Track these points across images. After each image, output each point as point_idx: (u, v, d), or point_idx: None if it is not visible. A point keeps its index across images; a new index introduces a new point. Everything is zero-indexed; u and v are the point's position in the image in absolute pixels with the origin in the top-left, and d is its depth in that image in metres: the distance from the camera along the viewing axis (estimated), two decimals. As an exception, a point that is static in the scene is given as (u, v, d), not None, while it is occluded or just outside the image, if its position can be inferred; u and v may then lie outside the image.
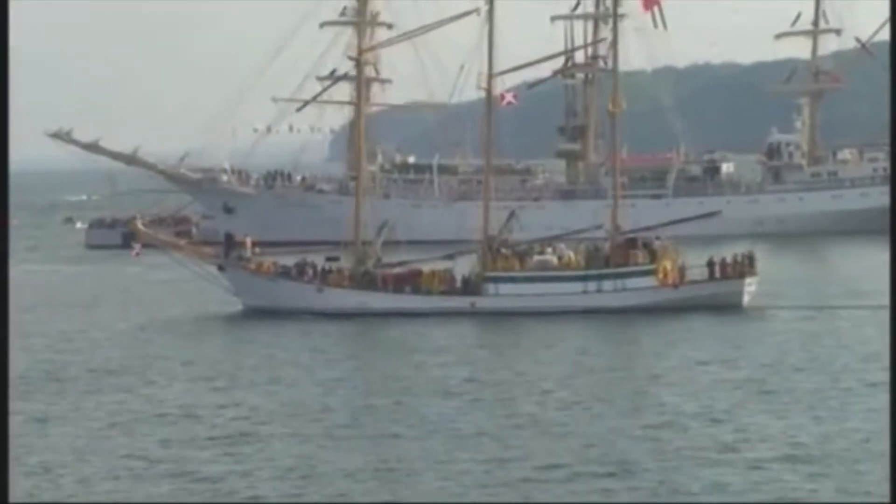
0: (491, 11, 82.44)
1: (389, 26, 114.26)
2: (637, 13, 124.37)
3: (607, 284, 70.45)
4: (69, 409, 50.65)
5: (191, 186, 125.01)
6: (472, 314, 69.79)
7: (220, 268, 74.15)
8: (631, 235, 75.71)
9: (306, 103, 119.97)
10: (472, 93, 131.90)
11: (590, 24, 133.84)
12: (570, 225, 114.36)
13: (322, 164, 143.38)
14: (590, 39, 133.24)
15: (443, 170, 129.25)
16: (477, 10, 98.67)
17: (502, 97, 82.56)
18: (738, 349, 60.25)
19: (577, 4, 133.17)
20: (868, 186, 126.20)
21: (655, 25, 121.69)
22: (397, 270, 74.85)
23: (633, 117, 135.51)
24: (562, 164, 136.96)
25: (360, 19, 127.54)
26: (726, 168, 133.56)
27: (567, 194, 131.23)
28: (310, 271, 74.18)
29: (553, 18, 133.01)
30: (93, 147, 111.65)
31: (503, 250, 74.25)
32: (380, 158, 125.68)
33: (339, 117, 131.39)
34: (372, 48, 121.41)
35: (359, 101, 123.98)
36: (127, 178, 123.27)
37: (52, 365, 62.31)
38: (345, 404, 48.63)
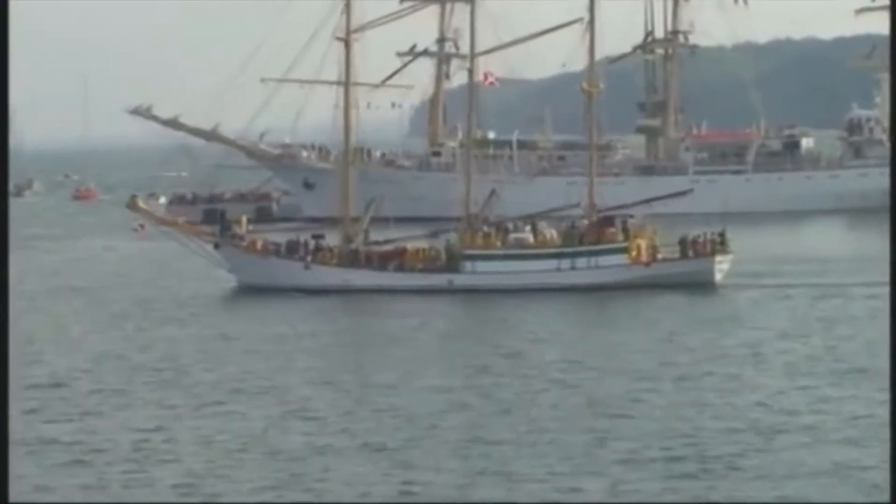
0: None
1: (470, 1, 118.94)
2: None
3: (580, 262, 71.73)
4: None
5: (271, 162, 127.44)
6: (450, 291, 71.10)
7: (216, 246, 75.87)
8: (607, 213, 75.74)
9: (384, 81, 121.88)
10: (553, 69, 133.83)
11: (670, 1, 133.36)
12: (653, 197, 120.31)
13: (402, 140, 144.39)
14: (670, 15, 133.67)
15: (522, 145, 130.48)
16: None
17: (485, 77, 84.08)
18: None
19: None
20: None
21: (736, 1, 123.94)
22: (383, 248, 76.32)
23: (712, 93, 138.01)
24: (642, 139, 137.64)
25: None
26: (806, 143, 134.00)
27: (646, 170, 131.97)
28: (302, 248, 75.43)
29: None
30: (172, 123, 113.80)
31: (485, 227, 75.35)
32: (460, 134, 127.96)
33: (419, 93, 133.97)
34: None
35: (438, 81, 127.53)
36: (206, 154, 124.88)
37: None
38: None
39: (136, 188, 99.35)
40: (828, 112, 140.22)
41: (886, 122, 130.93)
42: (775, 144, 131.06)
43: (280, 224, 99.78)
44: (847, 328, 58.65)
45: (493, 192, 78.94)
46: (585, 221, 75.49)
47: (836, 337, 57.36)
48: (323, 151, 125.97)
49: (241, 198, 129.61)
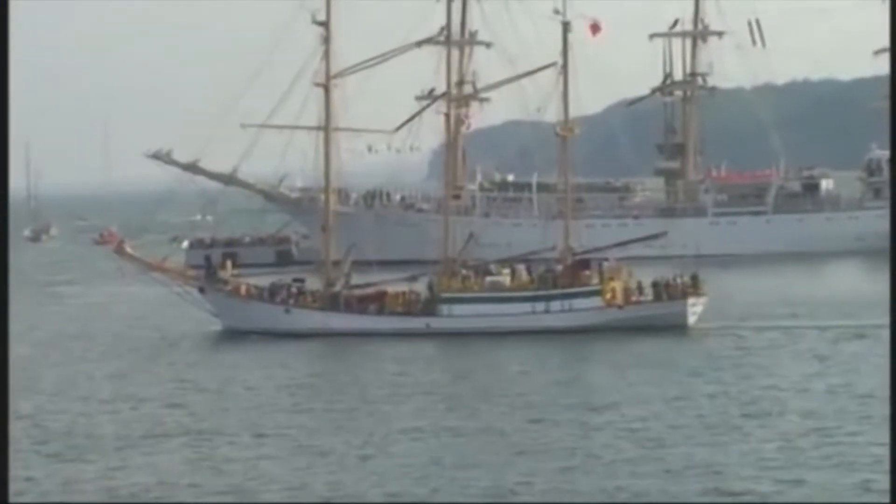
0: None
1: (488, 45, 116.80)
2: (738, 31, 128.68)
3: (555, 305, 72.42)
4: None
5: (290, 206, 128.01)
6: (426, 335, 71.64)
7: (201, 290, 77.10)
8: (583, 256, 76.85)
9: (403, 124, 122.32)
10: (576, 109, 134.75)
11: (688, 42, 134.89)
12: (668, 243, 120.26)
13: (421, 182, 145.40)
14: (689, 57, 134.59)
15: (541, 188, 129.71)
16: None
17: (465, 119, 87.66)
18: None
19: (676, 23, 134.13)
20: None
21: (754, 43, 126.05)
22: (364, 292, 77.16)
23: (731, 134, 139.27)
24: (661, 181, 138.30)
25: (461, 40, 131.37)
26: (826, 185, 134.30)
27: (666, 212, 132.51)
28: (283, 293, 76.37)
29: (651, 36, 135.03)
30: (191, 167, 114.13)
31: (463, 271, 76.38)
32: (479, 177, 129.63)
33: (437, 136, 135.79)
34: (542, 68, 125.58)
35: (451, 128, 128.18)
36: (225, 198, 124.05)
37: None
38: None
39: (159, 232, 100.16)
40: (847, 153, 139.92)
41: None
42: (795, 186, 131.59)
43: (301, 266, 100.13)
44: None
45: (471, 236, 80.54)
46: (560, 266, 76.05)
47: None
48: (342, 195, 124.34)
49: (260, 241, 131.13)
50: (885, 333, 68.29)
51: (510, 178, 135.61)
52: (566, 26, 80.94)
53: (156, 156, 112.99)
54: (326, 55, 77.77)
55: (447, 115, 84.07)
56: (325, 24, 77.95)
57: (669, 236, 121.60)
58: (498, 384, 59.16)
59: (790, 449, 45.23)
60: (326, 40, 77.99)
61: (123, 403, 56.67)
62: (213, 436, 49.54)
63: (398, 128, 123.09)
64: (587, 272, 74.47)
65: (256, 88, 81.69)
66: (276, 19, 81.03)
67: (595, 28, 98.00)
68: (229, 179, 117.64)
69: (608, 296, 72.57)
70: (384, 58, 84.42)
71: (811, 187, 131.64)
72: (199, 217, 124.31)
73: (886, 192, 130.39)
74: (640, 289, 75.56)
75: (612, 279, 73.57)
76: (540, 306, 72.58)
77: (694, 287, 73.21)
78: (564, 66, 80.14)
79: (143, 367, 67.28)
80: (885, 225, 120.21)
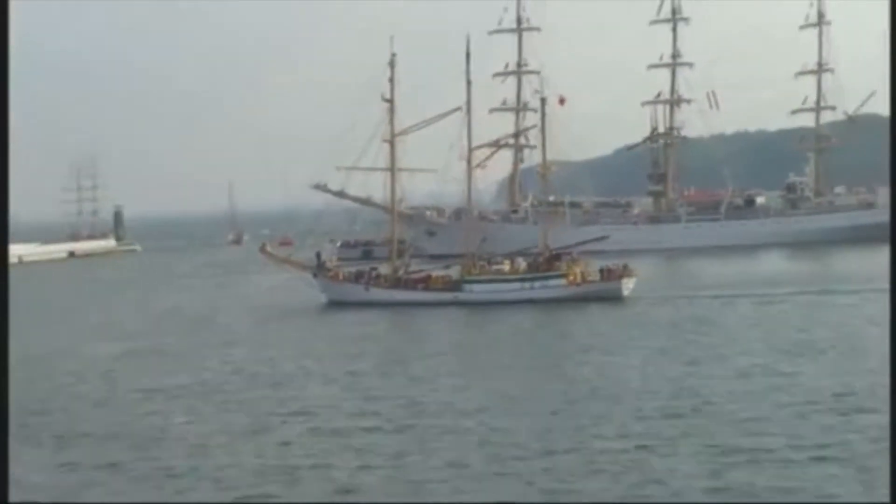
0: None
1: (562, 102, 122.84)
2: (700, 99, 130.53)
3: (536, 284, 73.85)
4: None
5: (406, 219, 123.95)
6: (457, 303, 73.36)
7: (314, 275, 78.90)
8: (557, 251, 78.24)
9: (478, 165, 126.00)
10: (594, 152, 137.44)
11: (667, 107, 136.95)
12: (656, 240, 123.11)
13: (491, 202, 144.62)
14: (668, 116, 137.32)
15: (573, 205, 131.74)
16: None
17: (478, 163, 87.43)
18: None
19: (659, 94, 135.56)
20: (854, 211, 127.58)
21: (711, 107, 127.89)
22: (417, 275, 79.56)
23: (697, 168, 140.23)
24: (650, 199, 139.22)
25: (518, 106, 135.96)
26: (760, 200, 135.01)
27: (654, 220, 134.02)
28: (364, 277, 78.44)
29: (643, 104, 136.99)
30: (340, 194, 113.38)
31: (480, 262, 78.58)
32: (530, 198, 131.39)
33: (504, 170, 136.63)
34: (526, 129, 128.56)
35: (515, 163, 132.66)
36: (363, 213, 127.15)
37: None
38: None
39: (320, 236, 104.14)
40: (774, 179, 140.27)
41: (812, 185, 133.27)
42: (739, 201, 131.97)
43: (413, 258, 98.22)
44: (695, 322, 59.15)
45: (483, 239, 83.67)
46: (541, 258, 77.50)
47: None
48: (440, 212, 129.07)
49: (387, 242, 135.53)
50: (801, 299, 68.87)
51: (551, 198, 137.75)
52: (543, 101, 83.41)
53: (317, 186, 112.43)
54: (391, 121, 78.92)
55: (468, 160, 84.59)
56: (391, 101, 79.29)
57: (657, 234, 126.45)
58: (506, 333, 61.33)
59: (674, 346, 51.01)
60: (391, 111, 79.24)
61: (279, 340, 59.93)
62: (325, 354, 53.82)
63: (478, 165, 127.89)
64: (558, 262, 76.00)
65: (348, 142, 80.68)
66: (358, 97, 79.87)
67: (562, 101, 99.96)
68: (365, 201, 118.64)
69: (570, 277, 73.80)
70: (429, 122, 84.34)
71: (750, 202, 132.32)
72: (346, 227, 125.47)
73: (800, 205, 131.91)
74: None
75: (574, 266, 75.02)
76: (527, 284, 74.30)
77: (626, 271, 74.11)
78: (542, 128, 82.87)
79: (285, 320, 71.17)
80: (799, 227, 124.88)
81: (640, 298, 70.55)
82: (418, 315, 69.73)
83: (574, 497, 26.05)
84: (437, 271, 79.81)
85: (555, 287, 73.17)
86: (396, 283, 77.49)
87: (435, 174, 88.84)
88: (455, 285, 75.75)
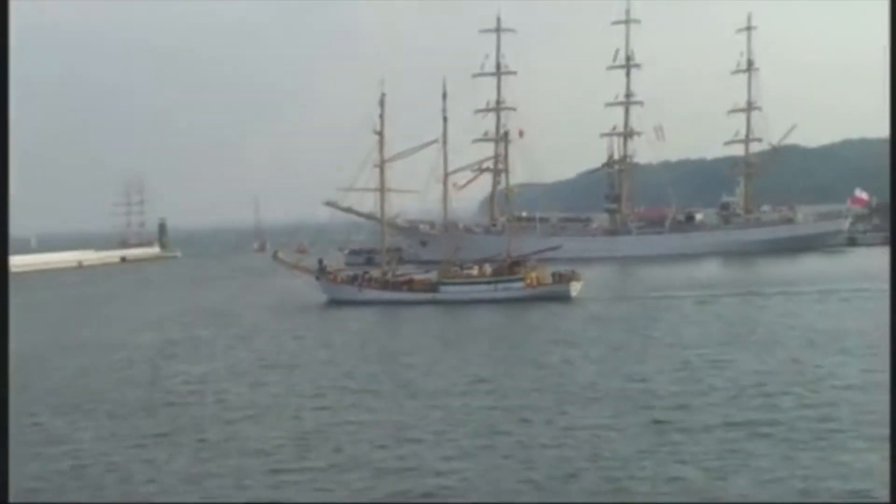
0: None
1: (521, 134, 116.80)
2: (649, 131, 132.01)
3: (500, 286, 74.10)
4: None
5: (402, 231, 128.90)
6: (434, 302, 73.53)
7: (317, 278, 79.34)
8: (517, 258, 78.57)
9: (454, 185, 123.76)
10: (575, 167, 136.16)
11: (622, 139, 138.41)
12: (611, 250, 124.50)
13: (474, 216, 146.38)
14: (622, 146, 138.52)
15: (542, 220, 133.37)
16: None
17: (454, 185, 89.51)
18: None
19: (615, 127, 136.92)
20: (776, 226, 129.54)
21: (658, 139, 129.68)
22: (402, 278, 79.66)
23: (645, 189, 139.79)
24: (606, 216, 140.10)
25: (497, 138, 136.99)
26: (698, 216, 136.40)
27: (611, 233, 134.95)
28: (358, 279, 78.67)
29: (602, 135, 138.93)
30: (348, 210, 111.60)
31: (453, 268, 78.92)
32: (508, 214, 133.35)
33: (485, 190, 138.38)
34: (496, 157, 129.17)
35: (493, 185, 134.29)
36: (367, 226, 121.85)
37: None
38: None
39: (328, 245, 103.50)
40: (710, 199, 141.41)
41: (742, 204, 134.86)
42: (680, 217, 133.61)
43: (406, 265, 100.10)
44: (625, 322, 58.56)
45: (457, 248, 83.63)
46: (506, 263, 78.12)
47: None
48: (432, 225, 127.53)
49: (386, 251, 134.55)
50: (727, 300, 68.41)
51: (524, 213, 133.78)
52: (506, 134, 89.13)
53: (329, 203, 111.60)
54: (381, 150, 79.88)
55: (444, 183, 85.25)
56: (380, 133, 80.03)
57: (612, 245, 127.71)
58: (478, 324, 62.10)
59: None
60: (380, 142, 79.99)
61: (287, 330, 61.13)
62: (323, 344, 54.15)
63: (462, 186, 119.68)
64: (518, 267, 76.41)
65: (345, 167, 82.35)
66: (353, 130, 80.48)
67: (521, 133, 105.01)
68: (368, 216, 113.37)
69: (528, 280, 74.19)
70: (412, 151, 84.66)
71: (690, 218, 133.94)
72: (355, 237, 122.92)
73: (732, 220, 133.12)
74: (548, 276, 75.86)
75: (531, 272, 75.45)
76: (492, 286, 74.45)
77: (574, 276, 74.50)
78: (505, 157, 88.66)
79: (289, 315, 71.30)
80: (730, 238, 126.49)
81: (587, 299, 71.05)
82: (402, 312, 69.80)
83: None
84: (418, 275, 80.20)
85: (515, 289, 73.37)
86: (385, 284, 77.71)
87: (417, 194, 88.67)
88: (433, 287, 75.86)
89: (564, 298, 71.51)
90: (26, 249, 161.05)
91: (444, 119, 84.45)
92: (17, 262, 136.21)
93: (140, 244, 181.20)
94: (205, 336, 58.68)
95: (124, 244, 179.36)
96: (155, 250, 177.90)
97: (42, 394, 39.91)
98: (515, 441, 28.35)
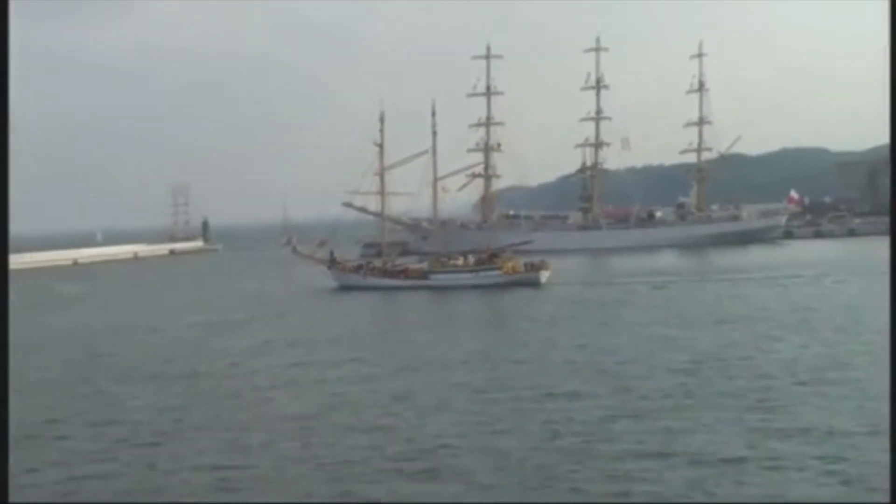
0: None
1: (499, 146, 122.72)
2: (617, 143, 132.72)
3: (481, 274, 74.66)
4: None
5: (406, 227, 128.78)
6: (425, 287, 73.95)
7: (329, 267, 79.95)
8: (496, 250, 79.04)
9: (461, 188, 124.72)
10: (554, 172, 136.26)
11: (593, 149, 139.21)
12: (584, 243, 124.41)
13: (467, 214, 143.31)
14: (593, 155, 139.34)
15: (526, 217, 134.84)
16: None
17: (443, 189, 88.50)
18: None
19: (587, 139, 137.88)
20: (724, 222, 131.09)
21: (624, 148, 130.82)
22: (399, 268, 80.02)
23: (613, 191, 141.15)
24: (580, 214, 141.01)
25: (487, 147, 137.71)
26: (658, 214, 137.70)
27: (584, 228, 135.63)
28: (364, 267, 79.31)
29: (576, 146, 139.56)
30: (362, 209, 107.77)
31: (442, 259, 79.41)
32: (497, 212, 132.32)
33: (478, 190, 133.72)
34: (479, 163, 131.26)
35: (486, 187, 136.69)
36: (376, 223, 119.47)
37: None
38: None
39: (346, 240, 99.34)
40: (668, 199, 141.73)
41: (695, 203, 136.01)
42: (643, 214, 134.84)
43: (411, 255, 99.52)
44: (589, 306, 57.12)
45: (448, 241, 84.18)
46: (485, 255, 78.74)
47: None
48: (430, 222, 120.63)
49: (394, 245, 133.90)
50: (682, 285, 67.60)
51: (511, 212, 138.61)
52: (488, 147, 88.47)
53: (347, 203, 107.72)
54: (381, 159, 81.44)
55: (433, 186, 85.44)
56: (381, 145, 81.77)
57: (585, 239, 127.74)
58: (459, 305, 61.81)
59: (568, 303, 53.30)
60: (381, 154, 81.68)
61: (304, 310, 61.59)
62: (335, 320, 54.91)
63: (460, 188, 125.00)
64: (496, 258, 77.09)
65: (352, 173, 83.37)
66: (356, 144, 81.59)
67: (499, 145, 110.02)
68: (378, 215, 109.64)
69: (505, 269, 74.96)
70: (408, 160, 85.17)
71: (651, 215, 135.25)
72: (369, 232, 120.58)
73: (686, 218, 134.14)
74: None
75: (507, 262, 76.29)
76: (474, 274, 75.21)
77: (543, 265, 75.05)
78: (485, 167, 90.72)
79: (311, 299, 71.98)
80: (685, 233, 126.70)
81: (555, 284, 71.46)
82: (398, 295, 70.19)
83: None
84: (413, 265, 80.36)
85: (493, 276, 73.75)
86: (385, 273, 77.85)
87: (412, 196, 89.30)
88: (425, 275, 76.12)
89: (535, 284, 71.71)
90: (93, 243, 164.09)
91: (434, 133, 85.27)
92: (85, 253, 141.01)
93: (186, 239, 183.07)
94: (239, 318, 58.56)
95: (173, 239, 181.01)
96: (199, 244, 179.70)
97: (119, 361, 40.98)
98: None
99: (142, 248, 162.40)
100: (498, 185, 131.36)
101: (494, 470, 20.73)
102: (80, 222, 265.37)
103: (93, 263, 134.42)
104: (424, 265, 78.64)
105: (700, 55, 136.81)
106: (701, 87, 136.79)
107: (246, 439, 24.78)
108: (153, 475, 21.64)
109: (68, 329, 54.26)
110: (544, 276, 73.24)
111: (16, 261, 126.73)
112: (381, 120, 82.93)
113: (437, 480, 20.14)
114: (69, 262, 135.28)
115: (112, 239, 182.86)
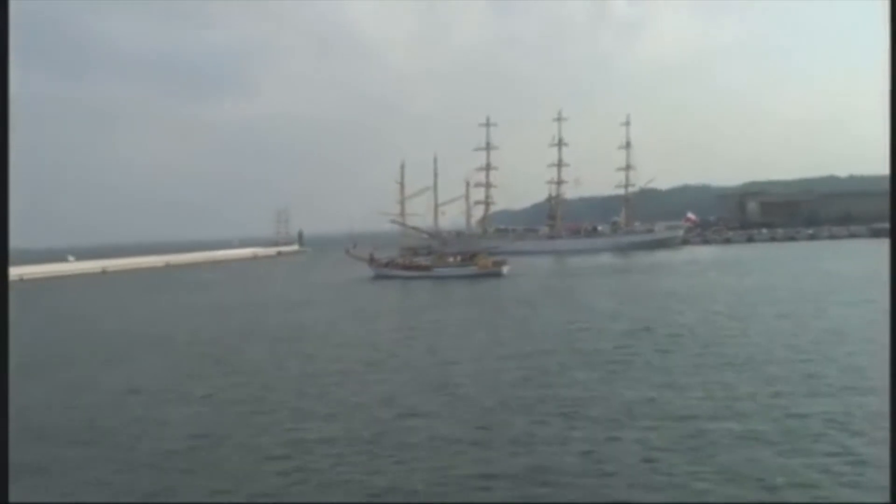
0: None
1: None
2: (573, 180, 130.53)
3: (464, 268, 73.35)
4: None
5: (432, 236, 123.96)
6: (429, 277, 72.61)
7: (369, 263, 77.35)
8: (474, 252, 77.38)
9: (479, 213, 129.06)
10: (531, 200, 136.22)
11: (556, 185, 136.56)
12: (550, 248, 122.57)
13: (468, 229, 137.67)
14: (557, 189, 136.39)
15: (512, 230, 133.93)
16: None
17: (442, 213, 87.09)
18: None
19: (552, 178, 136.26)
20: (642, 234, 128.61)
21: (576, 185, 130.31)
22: (413, 263, 78.67)
23: (571, 213, 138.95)
24: (548, 228, 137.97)
25: (486, 183, 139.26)
26: (600, 228, 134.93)
27: (550, 237, 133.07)
28: (389, 263, 76.14)
29: (546, 182, 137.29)
30: (396, 222, 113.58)
31: (441, 257, 77.89)
32: (490, 228, 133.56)
33: (479, 213, 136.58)
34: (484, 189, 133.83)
35: (485, 209, 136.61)
36: (410, 234, 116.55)
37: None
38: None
39: (388, 245, 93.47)
40: (606, 218, 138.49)
41: (624, 222, 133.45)
42: (590, 228, 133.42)
43: (428, 256, 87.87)
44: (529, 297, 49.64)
45: (446, 244, 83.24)
46: (468, 254, 77.59)
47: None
48: (450, 233, 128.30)
49: (421, 248, 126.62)
50: (615, 276, 62.28)
51: (502, 227, 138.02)
52: (488, 184, 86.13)
53: (392, 220, 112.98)
54: (402, 192, 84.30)
55: (434, 210, 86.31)
56: (401, 183, 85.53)
57: (551, 245, 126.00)
58: (454, 290, 56.97)
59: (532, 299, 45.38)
60: (401, 189, 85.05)
61: (353, 296, 56.88)
62: (373, 297, 52.32)
63: (476, 211, 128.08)
64: (473, 257, 75.97)
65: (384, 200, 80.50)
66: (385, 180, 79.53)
67: (490, 183, 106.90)
68: (414, 229, 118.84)
69: (479, 265, 73.84)
70: (417, 194, 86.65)
71: (594, 229, 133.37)
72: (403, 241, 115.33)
73: (618, 231, 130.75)
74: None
75: (479, 259, 74.98)
76: (458, 268, 73.84)
77: (504, 262, 74.19)
78: (486, 197, 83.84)
79: (356, 283, 70.30)
80: (618, 241, 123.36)
81: (514, 275, 68.89)
82: (411, 282, 68.02)
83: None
84: (423, 261, 76.95)
85: (471, 270, 71.99)
86: (404, 266, 75.96)
87: (420, 217, 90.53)
88: (429, 268, 74.12)
89: (498, 275, 69.78)
90: (231, 246, 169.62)
91: (435, 174, 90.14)
92: (224, 254, 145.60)
93: (287, 244, 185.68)
94: (312, 298, 55.00)
95: (277, 244, 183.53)
96: (295, 248, 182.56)
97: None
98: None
99: (258, 251, 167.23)
100: (493, 209, 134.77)
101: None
102: (221, 233, 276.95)
103: (231, 261, 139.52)
104: (429, 261, 75.99)
105: (627, 123, 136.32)
106: (628, 144, 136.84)
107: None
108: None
109: (211, 304, 52.21)
110: (505, 269, 71.20)
111: (177, 259, 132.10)
112: (402, 167, 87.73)
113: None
114: (210, 261, 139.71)
115: (245, 243, 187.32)
